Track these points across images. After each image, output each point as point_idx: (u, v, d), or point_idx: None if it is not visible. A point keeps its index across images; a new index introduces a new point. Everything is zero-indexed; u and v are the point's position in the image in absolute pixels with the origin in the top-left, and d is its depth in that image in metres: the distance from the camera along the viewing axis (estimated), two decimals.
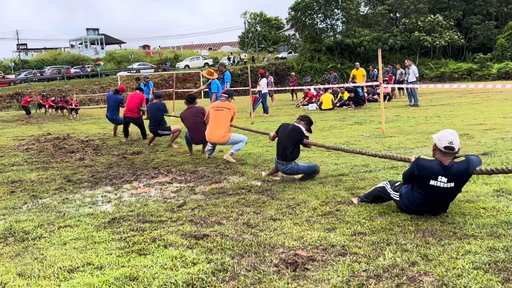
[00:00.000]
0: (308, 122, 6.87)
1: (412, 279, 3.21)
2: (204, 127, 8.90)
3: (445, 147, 4.37)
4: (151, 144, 11.41)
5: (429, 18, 54.70)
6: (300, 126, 6.72)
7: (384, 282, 3.19)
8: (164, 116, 11.39)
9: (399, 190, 4.79)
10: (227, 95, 8.90)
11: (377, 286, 3.13)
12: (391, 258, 3.57)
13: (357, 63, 24.41)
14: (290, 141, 6.59)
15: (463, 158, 4.47)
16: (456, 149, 4.39)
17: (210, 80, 12.95)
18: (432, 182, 4.38)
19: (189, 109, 9.39)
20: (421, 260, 3.53)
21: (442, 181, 4.36)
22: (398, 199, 4.78)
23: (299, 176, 6.72)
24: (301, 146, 6.77)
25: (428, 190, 4.43)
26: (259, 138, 11.10)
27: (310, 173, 6.61)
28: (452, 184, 4.39)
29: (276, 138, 7.02)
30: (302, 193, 5.81)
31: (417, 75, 19.50)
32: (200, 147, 9.66)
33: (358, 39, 57.88)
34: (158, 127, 11.14)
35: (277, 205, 5.34)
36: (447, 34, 54.39)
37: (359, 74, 22.31)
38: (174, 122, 13.31)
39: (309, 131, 6.87)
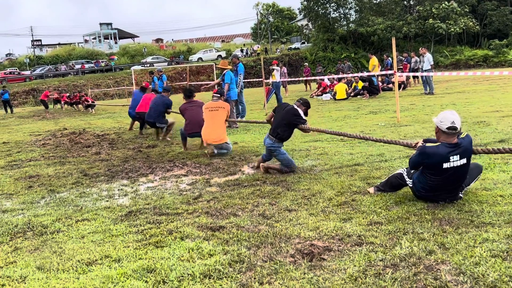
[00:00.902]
0: (305, 104, 6.86)
1: (429, 268, 3.20)
2: (203, 122, 8.70)
3: (448, 128, 4.38)
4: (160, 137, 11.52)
5: (443, 5, 53.95)
6: (298, 108, 6.71)
7: (401, 271, 3.18)
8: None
9: (412, 176, 4.78)
10: (219, 95, 8.96)
11: (394, 275, 3.12)
12: (408, 247, 3.55)
13: (370, 53, 24.76)
14: (283, 120, 6.64)
15: (465, 134, 4.56)
16: (459, 128, 4.41)
17: (224, 71, 12.95)
18: (445, 165, 4.39)
19: (190, 102, 9.40)
20: (438, 248, 3.51)
21: (455, 160, 4.38)
22: (411, 185, 4.77)
23: (275, 162, 6.79)
24: (295, 131, 6.84)
25: (443, 174, 4.43)
26: None
27: (286, 165, 6.60)
28: (464, 161, 4.43)
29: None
30: (317, 183, 5.80)
31: (432, 63, 19.30)
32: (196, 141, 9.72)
33: (371, 28, 57.34)
34: (157, 119, 11.20)
35: (292, 196, 5.34)
36: (462, 20, 53.60)
37: (370, 63, 22.69)
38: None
39: (306, 114, 6.83)
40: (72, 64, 60.28)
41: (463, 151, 4.41)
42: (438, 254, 3.40)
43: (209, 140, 8.40)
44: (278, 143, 6.61)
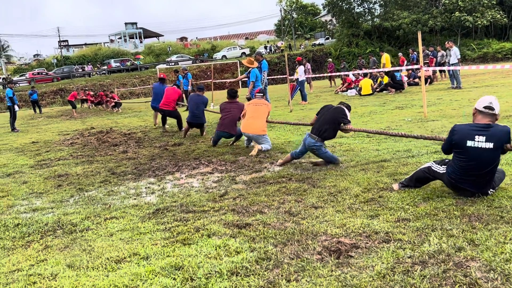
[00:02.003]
0: (348, 107, 7.03)
1: (458, 265, 3.15)
2: (236, 125, 9.18)
3: (484, 107, 4.45)
4: (186, 135, 11.64)
5: None
6: (345, 109, 6.88)
7: (430, 268, 3.14)
8: None
9: (447, 163, 4.76)
10: (262, 94, 9.27)
11: (423, 273, 3.09)
12: (436, 244, 3.51)
13: (381, 51, 25.63)
14: (331, 119, 6.74)
15: (506, 125, 4.49)
16: (496, 111, 4.43)
17: (249, 69, 12.97)
18: (469, 143, 4.38)
19: (231, 103, 9.53)
20: (468, 245, 3.46)
21: (480, 141, 4.35)
22: (444, 171, 4.72)
23: (317, 160, 6.92)
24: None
25: (466, 153, 4.41)
26: (299, 126, 11.06)
27: (330, 161, 6.72)
28: (491, 145, 4.34)
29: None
30: (343, 180, 5.76)
31: (459, 56, 19.01)
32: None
33: (396, 22, 56.58)
34: (203, 118, 11.51)
35: (318, 192, 5.32)
36: (489, 13, 52.44)
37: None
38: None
39: None
40: (99, 64, 61.06)
41: (491, 135, 4.34)
42: (468, 251, 3.36)
43: (248, 131, 8.58)
44: (320, 142, 6.65)
